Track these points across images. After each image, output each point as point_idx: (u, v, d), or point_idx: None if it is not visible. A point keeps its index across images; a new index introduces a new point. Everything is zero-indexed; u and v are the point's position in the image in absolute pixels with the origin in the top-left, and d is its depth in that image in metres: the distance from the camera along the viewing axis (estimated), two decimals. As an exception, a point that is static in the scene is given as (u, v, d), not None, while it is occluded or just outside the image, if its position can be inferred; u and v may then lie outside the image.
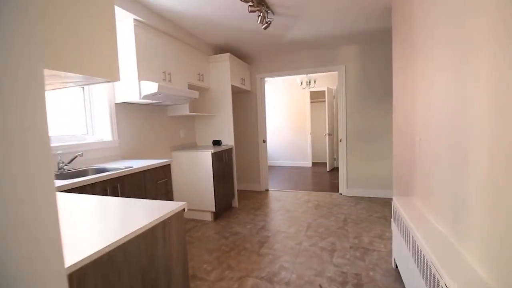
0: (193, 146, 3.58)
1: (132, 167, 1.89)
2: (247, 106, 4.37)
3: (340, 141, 3.94)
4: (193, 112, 3.43)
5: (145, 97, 2.31)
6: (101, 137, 2.39)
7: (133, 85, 2.31)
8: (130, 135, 2.60)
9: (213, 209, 3.05)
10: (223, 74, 3.46)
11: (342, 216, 3.09)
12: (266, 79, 6.04)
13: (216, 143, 3.54)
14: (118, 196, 1.70)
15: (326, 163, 6.31)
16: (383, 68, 3.61)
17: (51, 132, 2.02)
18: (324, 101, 6.26)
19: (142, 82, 2.28)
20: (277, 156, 6.83)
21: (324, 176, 5.40)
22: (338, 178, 4.07)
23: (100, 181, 1.58)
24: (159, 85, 2.24)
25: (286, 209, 3.40)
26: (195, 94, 2.81)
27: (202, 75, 3.33)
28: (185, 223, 3.03)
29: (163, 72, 2.59)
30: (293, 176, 5.43)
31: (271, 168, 6.44)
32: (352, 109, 3.84)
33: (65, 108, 2.17)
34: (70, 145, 2.01)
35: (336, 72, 3.96)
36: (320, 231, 2.69)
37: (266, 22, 2.41)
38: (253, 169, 4.41)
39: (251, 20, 2.70)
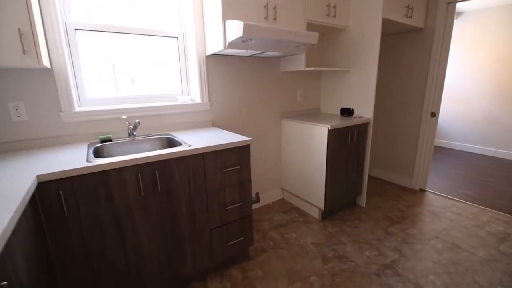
0: (313, 114, 2.69)
1: (190, 145, 1.38)
2: (409, 55, 2.74)
3: None
4: (315, 67, 2.44)
5: (231, 45, 1.63)
6: (194, 97, 2.05)
7: (217, 29, 1.68)
8: (226, 97, 2.11)
9: (321, 206, 2.20)
10: (370, 1, 2.13)
11: None
12: (459, 5, 3.72)
13: (345, 112, 2.45)
14: (157, 187, 1.26)
15: None
16: None
17: (141, 91, 1.84)
18: None
19: (227, 22, 1.60)
20: (452, 134, 4.49)
21: (556, 186, 2.91)
22: None
23: (131, 165, 1.16)
24: (244, 25, 1.48)
25: (450, 242, 1.95)
26: (312, 37, 1.81)
27: (334, 6, 2.18)
28: (286, 211, 2.41)
29: (264, 6, 1.76)
30: (480, 175, 3.32)
31: (438, 150, 4.35)
32: None
33: (161, 64, 1.92)
34: (157, 106, 1.76)
35: None
36: (531, 336, 1.23)
37: None
38: (403, 154, 2.94)
39: None
